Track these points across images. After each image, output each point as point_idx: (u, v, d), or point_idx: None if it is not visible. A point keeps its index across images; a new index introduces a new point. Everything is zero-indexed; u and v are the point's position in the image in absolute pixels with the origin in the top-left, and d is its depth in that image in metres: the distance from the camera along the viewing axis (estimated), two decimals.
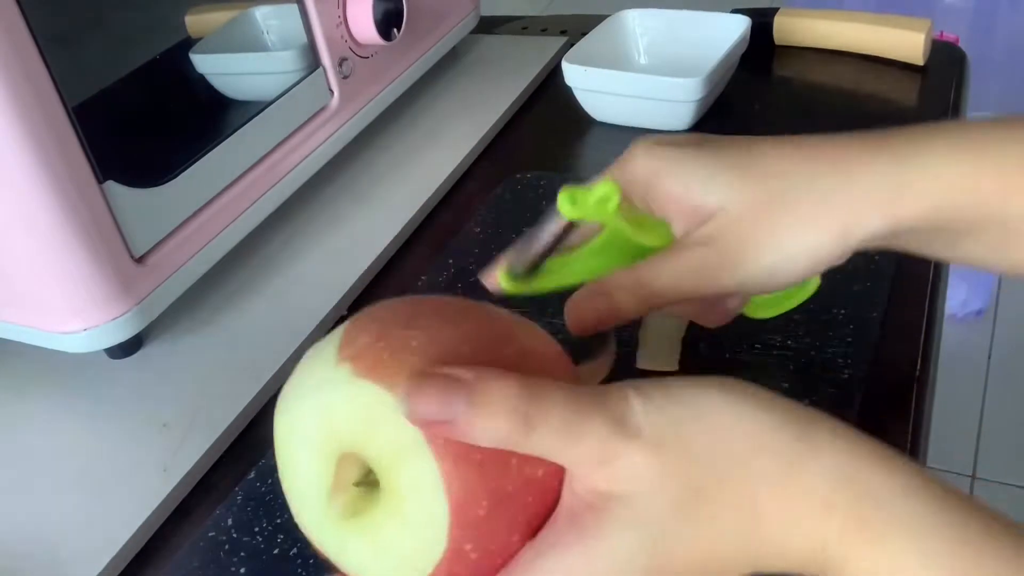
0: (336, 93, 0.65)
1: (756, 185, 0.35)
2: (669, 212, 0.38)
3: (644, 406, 0.28)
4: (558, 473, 0.29)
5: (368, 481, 0.30)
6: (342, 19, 0.64)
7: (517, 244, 0.40)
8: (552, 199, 0.37)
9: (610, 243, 0.39)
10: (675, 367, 0.48)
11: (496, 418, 0.27)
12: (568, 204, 0.35)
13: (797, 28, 0.80)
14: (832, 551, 0.27)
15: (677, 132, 0.40)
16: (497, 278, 0.39)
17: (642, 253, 0.39)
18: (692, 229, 0.37)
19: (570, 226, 0.38)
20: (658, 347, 0.48)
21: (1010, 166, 0.33)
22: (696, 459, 0.27)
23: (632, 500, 0.27)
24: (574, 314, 0.38)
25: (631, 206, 0.39)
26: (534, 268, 0.39)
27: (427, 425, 0.27)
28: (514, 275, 0.39)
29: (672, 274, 0.36)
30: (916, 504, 0.27)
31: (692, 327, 0.49)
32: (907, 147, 0.34)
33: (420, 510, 0.28)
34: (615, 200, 0.36)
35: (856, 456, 0.28)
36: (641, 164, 0.38)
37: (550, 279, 0.40)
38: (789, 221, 0.35)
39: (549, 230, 0.38)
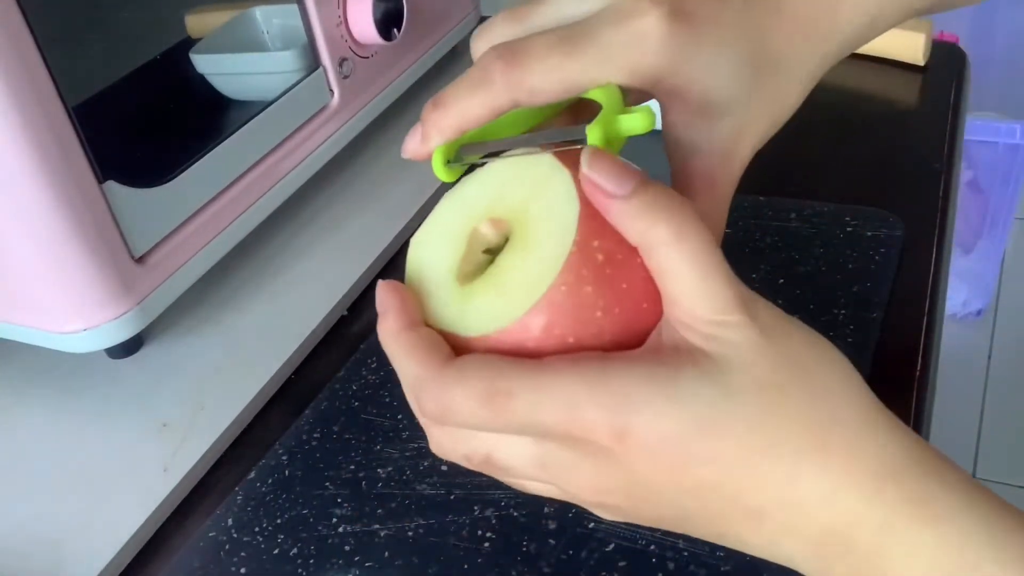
0: (336, 93, 0.65)
1: (762, 85, 0.33)
2: (667, 99, 0.33)
3: (768, 307, 0.28)
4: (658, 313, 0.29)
5: (494, 251, 0.30)
6: (342, 19, 0.64)
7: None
8: None
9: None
10: None
11: (656, 210, 0.27)
12: (602, 140, 0.30)
13: None
14: (873, 521, 0.26)
15: None
16: (429, 159, 0.33)
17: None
18: (684, 114, 0.33)
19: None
20: None
21: None
22: (794, 363, 0.27)
23: (721, 363, 0.27)
24: None
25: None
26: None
27: (594, 191, 0.28)
28: (456, 162, 0.33)
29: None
30: (979, 493, 0.27)
31: None
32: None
33: (550, 225, 0.28)
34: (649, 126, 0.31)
35: (923, 445, 0.28)
36: (656, 54, 0.31)
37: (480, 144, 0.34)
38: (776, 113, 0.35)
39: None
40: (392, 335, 0.29)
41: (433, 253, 0.31)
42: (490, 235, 0.31)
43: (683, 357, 0.27)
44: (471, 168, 0.33)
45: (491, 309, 0.29)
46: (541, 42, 0.31)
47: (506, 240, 0.30)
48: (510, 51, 0.31)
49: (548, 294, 0.27)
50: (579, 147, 0.30)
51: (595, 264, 0.28)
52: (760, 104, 0.34)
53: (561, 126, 0.36)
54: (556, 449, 0.28)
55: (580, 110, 0.36)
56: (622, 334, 0.28)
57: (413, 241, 0.32)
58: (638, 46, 0.31)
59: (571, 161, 0.29)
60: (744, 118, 0.33)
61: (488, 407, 0.27)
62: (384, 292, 0.30)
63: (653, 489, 0.27)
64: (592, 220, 0.28)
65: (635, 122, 0.30)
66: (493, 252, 0.30)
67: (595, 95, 0.31)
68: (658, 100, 0.33)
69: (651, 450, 0.26)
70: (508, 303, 0.28)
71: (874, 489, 0.26)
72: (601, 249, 0.28)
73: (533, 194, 0.30)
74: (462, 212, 0.31)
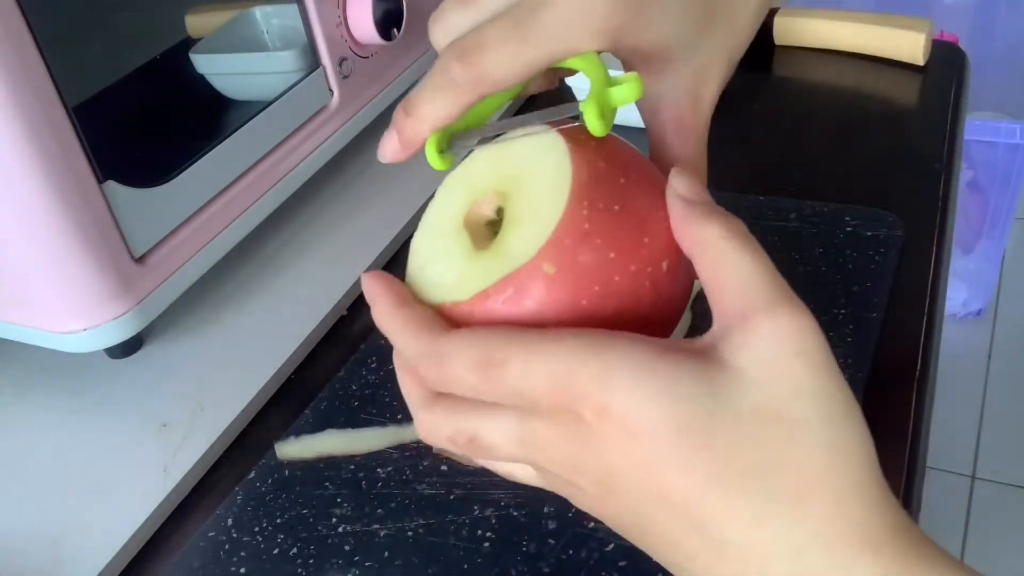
0: (336, 93, 0.65)
1: (713, 26, 0.34)
2: (628, 57, 0.34)
3: (816, 332, 0.27)
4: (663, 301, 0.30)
5: (496, 225, 0.31)
6: (342, 19, 0.64)
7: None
8: None
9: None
10: None
11: (715, 213, 0.29)
12: (599, 123, 0.31)
13: (797, 28, 0.80)
14: None
15: None
16: (423, 152, 0.34)
17: None
18: (645, 69, 0.34)
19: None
20: None
21: None
22: (808, 401, 0.26)
23: (733, 372, 0.26)
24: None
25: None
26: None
27: (670, 195, 0.30)
28: (449, 151, 0.34)
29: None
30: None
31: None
32: None
33: (548, 191, 0.30)
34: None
35: (911, 525, 0.27)
36: (606, 16, 0.31)
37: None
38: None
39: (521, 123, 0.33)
40: (388, 315, 0.30)
41: (437, 235, 0.33)
42: (487, 211, 0.32)
43: (695, 355, 0.26)
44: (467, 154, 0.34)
45: (476, 279, 0.30)
46: (494, 33, 0.30)
47: (501, 214, 0.31)
48: (465, 49, 0.30)
49: (552, 237, 0.29)
50: (576, 124, 0.31)
51: (590, 217, 0.29)
52: (714, 44, 0.34)
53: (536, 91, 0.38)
54: (539, 427, 0.28)
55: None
56: (630, 271, 0.29)
57: (420, 228, 0.34)
58: (587, 12, 0.31)
59: (567, 132, 0.31)
60: (702, 60, 0.34)
61: (481, 375, 0.27)
62: (369, 280, 0.31)
63: (621, 482, 0.27)
64: (586, 185, 0.30)
65: (625, 92, 0.31)
66: (495, 226, 0.31)
67: (574, 64, 0.32)
68: (621, 61, 0.34)
69: (627, 437, 0.26)
70: (520, 251, 0.29)
71: (846, 559, 0.25)
72: (599, 202, 0.29)
73: (525, 166, 0.31)
74: (460, 194, 0.33)
